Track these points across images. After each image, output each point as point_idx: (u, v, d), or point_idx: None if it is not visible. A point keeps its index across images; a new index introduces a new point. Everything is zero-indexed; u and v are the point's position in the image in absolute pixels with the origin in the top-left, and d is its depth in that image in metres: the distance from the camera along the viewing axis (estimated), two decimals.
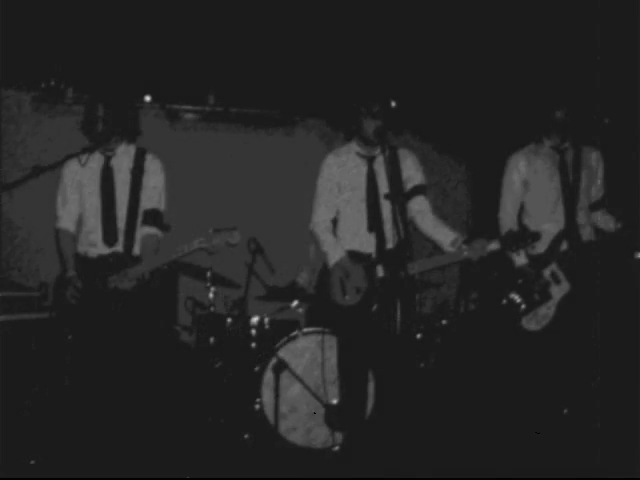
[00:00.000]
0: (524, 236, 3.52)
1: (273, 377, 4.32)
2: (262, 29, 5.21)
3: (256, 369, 4.47)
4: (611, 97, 4.12)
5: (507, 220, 4.07)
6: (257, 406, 4.39)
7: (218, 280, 4.87)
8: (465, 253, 3.51)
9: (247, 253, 4.83)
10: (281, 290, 4.98)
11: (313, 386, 4.35)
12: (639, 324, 3.98)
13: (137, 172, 3.77)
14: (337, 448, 4.24)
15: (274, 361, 4.37)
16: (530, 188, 4.02)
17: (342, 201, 3.76)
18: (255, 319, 4.78)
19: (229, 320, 4.87)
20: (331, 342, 4.19)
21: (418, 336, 4.85)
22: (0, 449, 3.46)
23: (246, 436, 4.35)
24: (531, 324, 3.89)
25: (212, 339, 4.76)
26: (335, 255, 3.63)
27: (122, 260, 3.67)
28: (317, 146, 6.15)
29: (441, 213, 4.04)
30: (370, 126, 3.57)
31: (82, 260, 3.75)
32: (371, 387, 3.88)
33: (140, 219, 3.78)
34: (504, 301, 3.98)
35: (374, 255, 3.66)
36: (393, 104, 3.75)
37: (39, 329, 4.10)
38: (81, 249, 3.79)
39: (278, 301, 4.94)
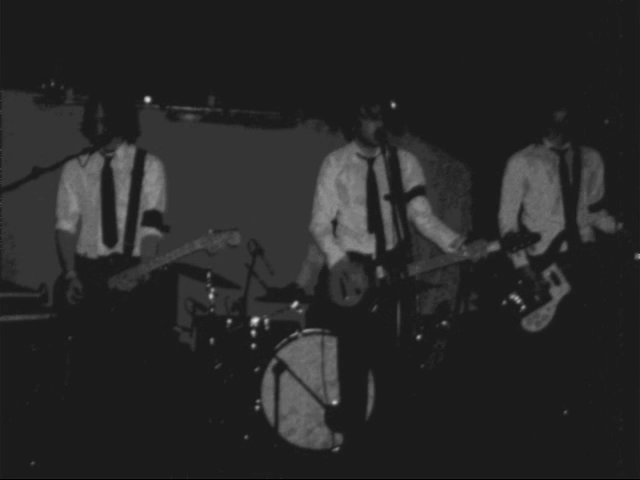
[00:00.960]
0: (524, 237, 3.52)
1: (273, 378, 4.32)
2: (262, 29, 5.21)
3: (256, 370, 4.47)
4: (611, 97, 4.12)
5: (507, 221, 4.06)
6: (257, 407, 4.39)
7: (218, 281, 4.87)
8: (465, 254, 3.51)
9: (247, 254, 4.84)
10: (281, 291, 4.98)
11: (313, 387, 4.36)
12: (639, 325, 3.98)
13: (137, 173, 3.77)
14: (337, 449, 4.24)
15: (274, 362, 4.37)
16: (530, 189, 4.02)
17: (342, 202, 3.76)
18: (255, 320, 4.78)
19: (229, 321, 4.88)
20: (331, 343, 4.20)
21: (418, 337, 4.85)
22: (0, 450, 3.46)
23: (246, 437, 4.36)
24: (531, 325, 3.89)
25: (212, 340, 4.76)
26: (335, 256, 3.63)
27: (122, 261, 3.67)
28: (317, 147, 6.15)
29: (441, 214, 4.05)
30: (370, 127, 3.56)
31: (82, 261, 3.76)
32: (371, 388, 3.88)
33: (140, 220, 3.78)
34: (504, 302, 3.98)
35: (374, 256, 3.66)
36: (393, 105, 3.75)
37: (39, 330, 4.10)
38: (81, 250, 3.79)
39: (278, 302, 4.94)
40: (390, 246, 3.67)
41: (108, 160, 3.76)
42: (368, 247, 3.67)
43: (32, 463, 3.66)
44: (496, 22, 4.99)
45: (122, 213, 3.73)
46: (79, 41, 5.25)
